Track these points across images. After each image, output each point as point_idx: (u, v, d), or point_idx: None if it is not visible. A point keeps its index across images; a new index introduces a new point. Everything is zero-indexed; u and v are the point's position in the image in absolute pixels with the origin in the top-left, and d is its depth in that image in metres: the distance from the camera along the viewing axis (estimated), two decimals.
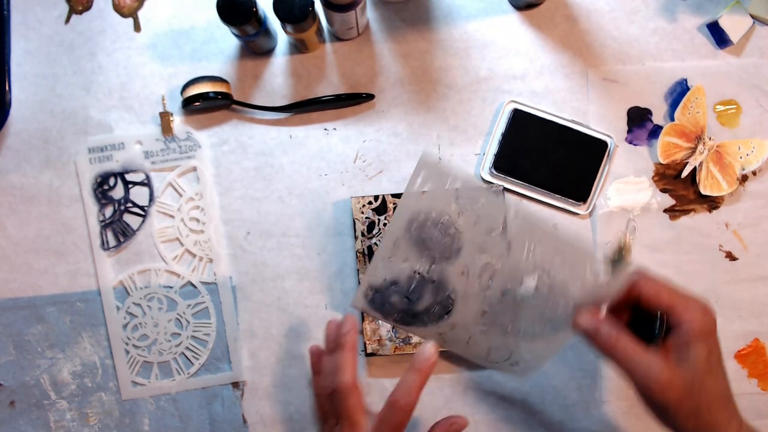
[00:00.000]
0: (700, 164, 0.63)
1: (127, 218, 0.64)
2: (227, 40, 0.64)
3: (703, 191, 0.63)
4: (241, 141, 0.64)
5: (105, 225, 0.64)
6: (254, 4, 0.55)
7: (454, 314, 0.53)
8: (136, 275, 0.64)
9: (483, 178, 0.64)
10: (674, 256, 0.64)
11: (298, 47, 0.63)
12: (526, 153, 0.63)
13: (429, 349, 0.49)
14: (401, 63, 0.65)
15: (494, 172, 0.63)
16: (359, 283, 0.62)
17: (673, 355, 0.47)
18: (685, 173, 0.63)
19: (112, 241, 0.64)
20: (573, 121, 0.63)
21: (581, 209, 0.63)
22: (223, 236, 0.64)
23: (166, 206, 0.64)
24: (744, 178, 0.64)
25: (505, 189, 0.63)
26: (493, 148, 0.63)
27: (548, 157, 0.63)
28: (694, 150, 0.63)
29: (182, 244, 0.64)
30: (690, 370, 0.46)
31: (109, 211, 0.64)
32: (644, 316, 0.49)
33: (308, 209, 0.64)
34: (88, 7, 0.65)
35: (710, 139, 0.63)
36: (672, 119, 0.64)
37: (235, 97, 0.64)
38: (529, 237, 0.53)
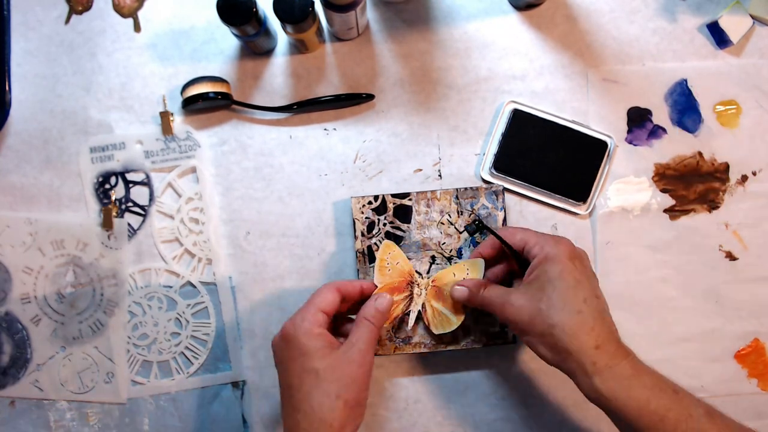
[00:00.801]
0: (423, 306, 0.59)
1: (128, 218, 0.64)
2: (227, 40, 0.64)
3: (436, 331, 0.59)
4: (241, 141, 0.64)
5: None
6: (254, 4, 0.55)
7: None
8: (136, 274, 0.64)
9: (483, 178, 0.64)
10: (674, 257, 0.64)
11: (298, 47, 0.63)
12: (526, 153, 0.63)
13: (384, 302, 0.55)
14: (401, 63, 0.65)
15: (494, 172, 0.63)
16: None
17: (527, 282, 0.51)
18: (410, 324, 0.59)
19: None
20: (573, 122, 0.63)
21: (581, 209, 0.63)
22: (223, 236, 0.64)
23: (165, 206, 0.64)
24: (744, 179, 0.64)
25: (505, 189, 0.63)
26: (493, 148, 0.63)
27: (548, 157, 0.63)
28: (411, 296, 0.60)
29: (182, 244, 0.64)
30: (536, 292, 0.49)
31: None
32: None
33: (308, 209, 0.64)
34: (88, 7, 0.65)
35: (422, 277, 0.60)
36: (672, 121, 0.64)
37: (235, 97, 0.64)
38: None
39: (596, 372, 0.47)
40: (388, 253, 0.59)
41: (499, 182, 0.63)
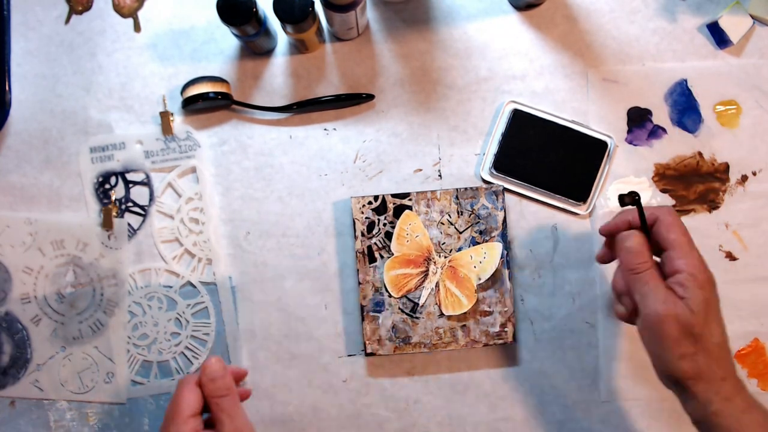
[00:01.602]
0: (437, 285, 0.61)
1: (128, 218, 0.64)
2: (227, 40, 0.64)
3: (446, 311, 0.60)
4: (241, 141, 0.64)
5: None
6: (254, 4, 0.55)
7: None
8: (136, 274, 0.64)
9: (483, 178, 0.64)
10: None
11: (298, 47, 0.63)
12: (526, 153, 0.63)
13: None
14: (401, 63, 0.65)
15: (494, 172, 0.63)
16: (359, 283, 0.62)
17: (677, 293, 0.48)
18: (422, 300, 0.60)
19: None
20: (573, 122, 0.63)
21: (581, 209, 0.63)
22: (223, 236, 0.64)
23: (165, 206, 0.64)
24: (744, 179, 0.64)
25: (505, 189, 0.63)
26: (493, 148, 0.63)
27: (548, 157, 0.63)
28: (426, 273, 0.61)
29: (182, 244, 0.64)
30: (690, 311, 0.47)
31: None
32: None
33: (308, 209, 0.64)
34: (88, 7, 0.65)
35: (440, 255, 0.61)
36: (672, 121, 0.64)
37: (235, 97, 0.64)
38: None
39: (717, 402, 0.47)
40: (408, 223, 0.61)
41: (499, 182, 0.63)
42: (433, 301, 0.61)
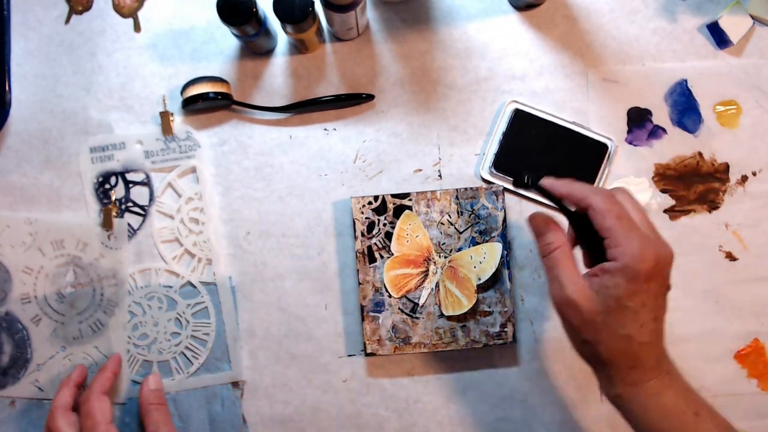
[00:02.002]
0: (437, 285, 0.61)
1: (128, 218, 0.64)
2: (227, 40, 0.64)
3: (446, 312, 0.60)
4: (241, 141, 0.64)
5: None
6: (254, 4, 0.55)
7: None
8: (136, 274, 0.64)
9: (483, 178, 0.64)
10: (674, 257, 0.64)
11: (298, 47, 0.63)
12: (527, 153, 0.63)
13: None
14: (401, 63, 0.65)
15: (494, 171, 0.63)
16: (359, 283, 0.62)
17: (595, 280, 0.47)
18: (422, 300, 0.61)
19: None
20: (574, 123, 0.63)
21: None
22: (223, 236, 0.64)
23: (165, 206, 0.64)
24: (744, 179, 0.64)
25: (505, 189, 0.63)
26: (493, 147, 0.63)
27: (549, 157, 0.63)
28: (426, 273, 0.61)
29: (182, 244, 0.64)
30: (600, 301, 0.46)
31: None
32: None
33: (308, 209, 0.64)
34: (88, 7, 0.65)
35: (440, 256, 0.61)
36: (672, 121, 0.64)
37: (235, 97, 0.64)
38: None
39: (622, 387, 0.47)
40: (408, 223, 0.61)
41: (499, 181, 0.63)
42: (433, 301, 0.61)
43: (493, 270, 0.60)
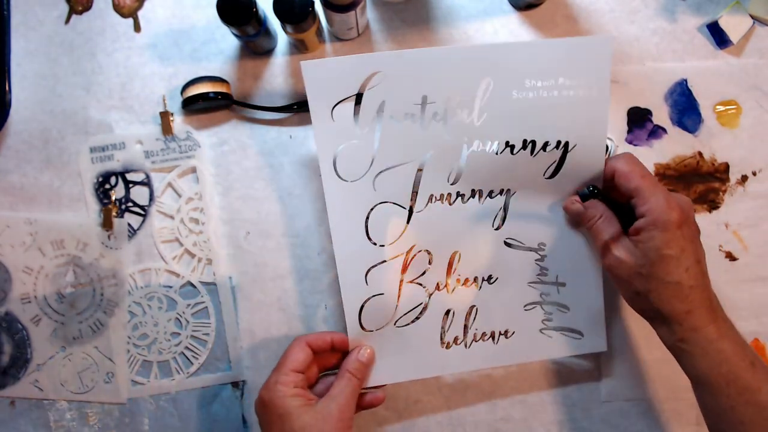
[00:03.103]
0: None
1: (128, 218, 0.64)
2: (227, 40, 0.64)
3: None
4: (241, 141, 0.64)
5: None
6: (254, 4, 0.56)
7: None
8: (136, 274, 0.64)
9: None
10: None
11: (298, 47, 0.63)
12: None
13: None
14: None
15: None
16: None
17: (634, 238, 0.51)
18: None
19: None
20: None
21: None
22: (223, 236, 0.64)
23: (165, 206, 0.64)
24: (744, 179, 0.64)
25: None
26: None
27: None
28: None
29: (182, 244, 0.64)
30: (640, 255, 0.50)
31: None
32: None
33: (308, 209, 0.64)
34: (88, 7, 0.65)
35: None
36: (672, 121, 0.64)
37: (235, 97, 0.64)
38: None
39: (681, 332, 0.49)
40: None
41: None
42: None
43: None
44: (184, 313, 0.64)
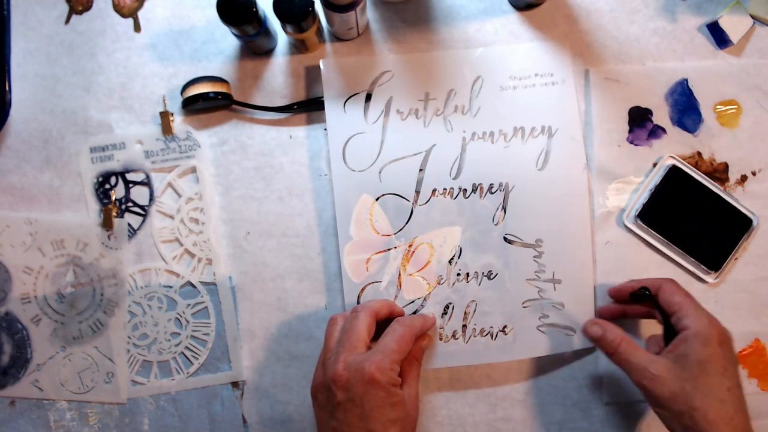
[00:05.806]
0: (398, 271, 0.61)
1: (128, 218, 0.64)
2: (227, 40, 0.64)
3: (407, 297, 0.61)
4: (241, 141, 0.64)
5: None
6: (254, 4, 0.55)
7: None
8: (136, 274, 0.64)
9: (626, 225, 0.63)
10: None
11: (298, 47, 0.63)
12: (673, 210, 0.62)
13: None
14: None
15: (639, 221, 0.62)
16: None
17: (672, 353, 0.50)
18: (383, 287, 0.60)
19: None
20: (725, 191, 0.63)
21: (710, 277, 0.63)
22: (223, 236, 0.64)
23: (165, 206, 0.64)
24: (743, 179, 0.64)
25: (642, 239, 0.63)
26: (642, 198, 0.62)
27: (692, 219, 0.62)
28: (387, 256, 0.61)
29: (182, 244, 0.64)
30: (682, 370, 0.49)
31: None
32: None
33: (308, 209, 0.64)
34: (88, 7, 0.65)
35: (399, 240, 0.60)
36: (672, 121, 0.64)
37: (235, 97, 0.64)
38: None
39: None
40: (366, 207, 0.61)
41: (641, 232, 0.62)
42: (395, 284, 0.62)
43: (454, 254, 0.61)
44: (184, 313, 0.64)
